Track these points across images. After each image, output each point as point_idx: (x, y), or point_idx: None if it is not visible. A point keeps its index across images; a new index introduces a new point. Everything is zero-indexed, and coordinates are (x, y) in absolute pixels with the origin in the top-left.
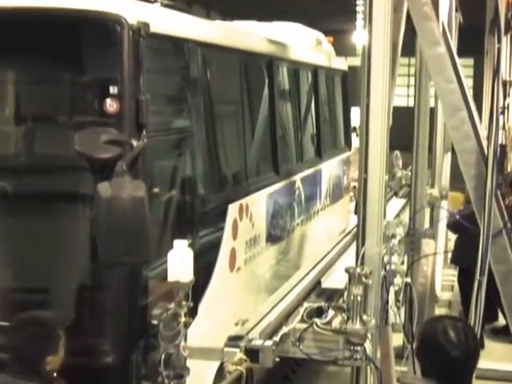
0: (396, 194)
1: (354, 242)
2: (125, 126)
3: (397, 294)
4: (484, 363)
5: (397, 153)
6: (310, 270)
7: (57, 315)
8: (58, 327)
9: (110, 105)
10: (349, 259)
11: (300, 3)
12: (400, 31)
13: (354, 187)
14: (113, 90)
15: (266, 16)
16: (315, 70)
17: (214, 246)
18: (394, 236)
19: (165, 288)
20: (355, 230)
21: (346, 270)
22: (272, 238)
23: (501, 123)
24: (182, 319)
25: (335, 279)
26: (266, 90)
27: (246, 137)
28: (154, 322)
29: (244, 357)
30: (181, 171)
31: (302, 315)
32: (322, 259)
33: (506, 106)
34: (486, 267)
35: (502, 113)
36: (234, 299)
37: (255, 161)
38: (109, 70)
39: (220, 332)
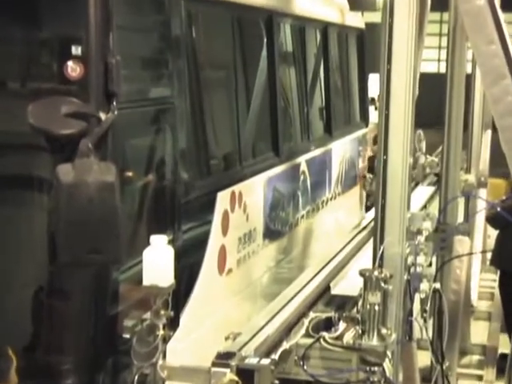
0: (417, 184)
1: (371, 239)
2: (91, 94)
3: (423, 302)
4: None
5: (420, 132)
6: (317, 273)
7: (7, 332)
8: (9, 347)
9: (73, 68)
10: (364, 260)
11: None
12: None
13: (364, 177)
14: (76, 50)
15: None
16: (325, 27)
17: (200, 243)
18: (419, 232)
19: (139, 294)
20: (372, 224)
21: (361, 273)
22: (271, 234)
23: None
24: (161, 332)
25: (347, 284)
26: (264, 53)
27: (240, 110)
28: (126, 335)
29: (236, 378)
30: (159, 151)
31: (307, 328)
32: (332, 260)
33: None
34: None
35: None
36: (223, 308)
37: (251, 139)
38: (71, 25)
39: (207, 348)
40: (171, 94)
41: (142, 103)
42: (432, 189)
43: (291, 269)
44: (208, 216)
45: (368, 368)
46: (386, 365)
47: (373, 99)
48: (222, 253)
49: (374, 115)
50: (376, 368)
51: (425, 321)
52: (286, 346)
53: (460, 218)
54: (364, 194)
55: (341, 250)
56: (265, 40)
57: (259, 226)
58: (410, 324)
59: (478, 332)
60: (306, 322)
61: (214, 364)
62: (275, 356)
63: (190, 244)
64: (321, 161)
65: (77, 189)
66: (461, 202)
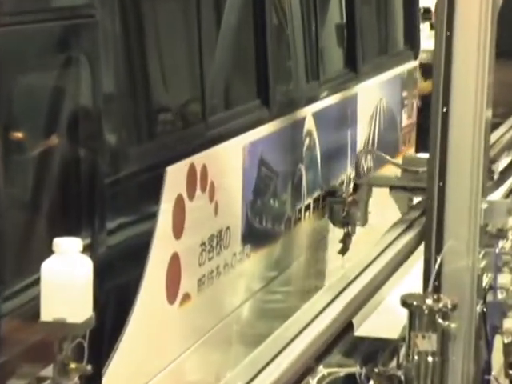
0: None
1: (421, 246)
2: None
3: (508, 351)
4: None
5: None
6: (332, 302)
7: None
8: None
9: None
10: (409, 280)
11: None
12: None
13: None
14: None
15: None
16: None
17: (137, 252)
18: (502, 233)
19: (34, 336)
20: (423, 221)
21: (405, 302)
22: (256, 237)
23: None
24: None
25: (381, 320)
26: None
27: (205, 29)
28: None
29: None
30: (70, 98)
31: None
32: (356, 279)
33: None
34: None
35: None
36: (176, 359)
37: (222, 79)
38: None
39: None
40: (90, 2)
41: (38, 16)
42: None
43: (289, 294)
44: (150, 206)
45: None
46: None
47: (427, 11)
48: (174, 267)
49: (427, 39)
50: None
51: None
52: None
53: None
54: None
55: (371, 263)
56: None
57: (236, 222)
58: None
59: None
60: (313, 381)
61: None
62: None
63: (121, 252)
64: (339, 115)
65: None
66: None
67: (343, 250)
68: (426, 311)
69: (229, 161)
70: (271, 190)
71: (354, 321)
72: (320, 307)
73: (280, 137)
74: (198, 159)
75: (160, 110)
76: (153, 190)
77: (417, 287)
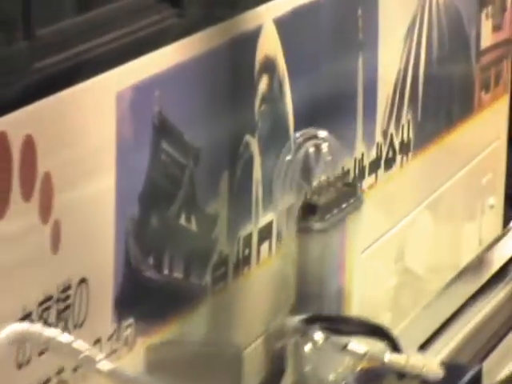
0: None
1: None
2: None
3: None
4: None
5: None
6: None
7: None
8: None
9: None
10: None
11: None
12: None
13: None
14: None
15: None
16: None
17: None
18: None
19: None
20: None
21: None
22: (149, 302)
23: None
24: None
25: None
26: None
27: None
28: None
29: None
30: None
31: None
32: None
33: None
34: None
35: None
36: None
37: None
38: None
39: None
40: None
41: None
42: None
43: None
44: None
45: None
46: None
47: None
48: None
49: None
50: None
51: None
52: None
53: None
54: None
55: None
56: None
57: (102, 268)
58: None
59: None
60: None
61: None
62: None
63: None
64: (335, 24)
65: None
66: None
67: None
68: None
69: (86, 126)
70: (183, 191)
71: None
72: None
73: (202, 73)
74: (15, 124)
75: None
76: None
77: None
